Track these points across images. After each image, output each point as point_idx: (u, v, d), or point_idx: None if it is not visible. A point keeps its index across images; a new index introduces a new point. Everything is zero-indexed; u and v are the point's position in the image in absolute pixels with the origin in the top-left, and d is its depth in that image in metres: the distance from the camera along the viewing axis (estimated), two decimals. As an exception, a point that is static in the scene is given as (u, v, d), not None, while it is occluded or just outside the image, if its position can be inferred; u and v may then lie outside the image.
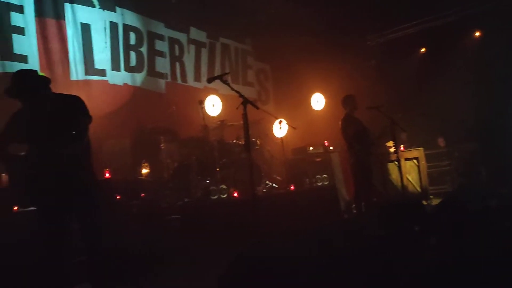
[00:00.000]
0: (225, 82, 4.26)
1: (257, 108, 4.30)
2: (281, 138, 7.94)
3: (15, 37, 6.19)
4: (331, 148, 8.80)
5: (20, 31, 6.25)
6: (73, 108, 3.63)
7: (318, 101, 10.20)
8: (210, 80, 4.47)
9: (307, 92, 10.20)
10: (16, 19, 6.21)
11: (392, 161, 8.03)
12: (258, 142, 7.60)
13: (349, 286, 2.98)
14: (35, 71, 3.83)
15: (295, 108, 9.54)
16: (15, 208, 4.64)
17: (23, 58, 6.26)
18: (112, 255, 4.98)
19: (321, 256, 3.31)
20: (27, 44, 6.32)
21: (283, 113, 8.31)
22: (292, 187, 7.54)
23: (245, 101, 4.10)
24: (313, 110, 10.18)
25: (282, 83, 10.43)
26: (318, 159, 8.61)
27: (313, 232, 3.57)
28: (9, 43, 6.11)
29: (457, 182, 9.33)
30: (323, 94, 10.20)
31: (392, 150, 7.97)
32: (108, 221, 5.35)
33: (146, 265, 4.93)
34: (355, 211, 7.34)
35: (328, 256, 3.32)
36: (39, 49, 6.48)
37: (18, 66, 6.17)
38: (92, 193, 3.66)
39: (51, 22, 6.66)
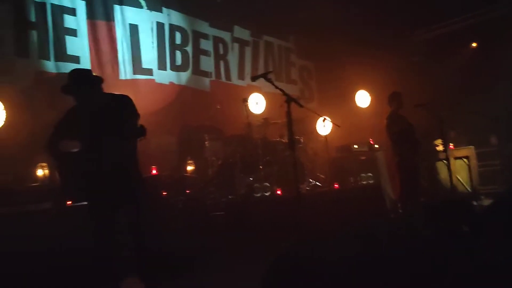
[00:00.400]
0: (268, 80, 4.27)
1: (301, 106, 4.28)
2: (325, 136, 7.88)
3: (68, 38, 6.49)
4: (376, 146, 8.63)
5: (73, 33, 6.54)
6: (122, 107, 3.74)
7: (363, 98, 10.03)
8: (254, 78, 4.50)
9: (351, 90, 10.04)
10: (69, 21, 6.50)
11: (441, 159, 7.78)
12: (302, 140, 7.57)
13: (394, 287, 2.92)
14: (89, 71, 3.98)
15: (339, 105, 9.42)
16: (69, 202, 4.86)
17: (76, 59, 6.54)
18: (158, 250, 5.15)
19: (365, 256, 3.26)
20: (79, 45, 6.60)
21: (326, 111, 8.24)
22: (336, 185, 7.46)
23: (289, 99, 4.10)
24: (358, 107, 10.01)
25: (325, 80, 10.32)
26: (362, 158, 8.46)
27: (357, 231, 3.51)
28: (62, 45, 6.41)
29: (510, 182, 8.91)
30: (368, 91, 10.01)
31: (440, 148, 7.72)
32: (154, 217, 5.53)
33: (190, 261, 5.02)
34: (401, 211, 7.17)
35: (373, 256, 3.26)
36: (90, 50, 6.76)
37: (71, 66, 6.44)
38: (138, 190, 3.76)
39: (101, 24, 6.92)
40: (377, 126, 7.97)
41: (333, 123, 7.55)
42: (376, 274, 3.01)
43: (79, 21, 6.62)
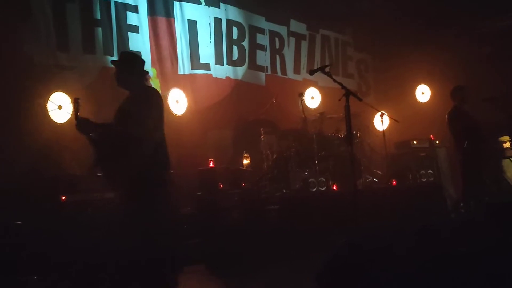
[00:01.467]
0: (327, 73, 4.22)
1: (360, 100, 4.20)
2: (383, 131, 7.67)
3: (131, 35, 6.72)
4: (437, 142, 8.30)
5: (135, 29, 6.77)
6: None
7: (423, 92, 9.65)
8: (312, 72, 4.45)
9: (411, 83, 9.69)
10: (131, 18, 6.74)
11: (508, 157, 7.35)
12: (359, 135, 7.42)
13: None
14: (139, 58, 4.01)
15: (398, 100, 9.14)
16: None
17: (138, 55, 6.76)
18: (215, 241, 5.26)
19: (424, 256, 3.15)
20: (141, 41, 6.82)
21: (385, 106, 8.03)
22: (394, 182, 7.26)
23: (348, 93, 4.03)
24: (418, 102, 9.64)
25: (384, 74, 10.03)
26: (422, 154, 8.16)
27: (417, 230, 3.40)
28: (125, 41, 6.65)
29: None
30: (428, 86, 9.62)
31: (507, 145, 7.30)
32: (211, 209, 5.65)
33: (244, 254, 5.09)
34: (463, 211, 6.86)
35: (432, 257, 3.14)
36: (151, 46, 6.96)
37: (133, 62, 6.71)
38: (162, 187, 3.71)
39: (161, 20, 7.11)
40: (438, 121, 7.66)
41: (391, 118, 7.34)
42: (434, 275, 2.89)
43: (141, 18, 6.84)
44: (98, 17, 6.39)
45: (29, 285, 4.24)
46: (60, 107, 5.35)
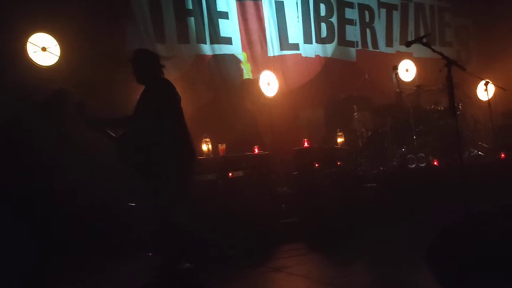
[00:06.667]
0: (425, 44, 3.99)
1: (464, 69, 3.93)
2: (488, 101, 7.14)
3: (221, 21, 6.91)
4: (552, 110, 7.54)
5: (225, 15, 6.94)
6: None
7: (533, 56, 8.77)
8: (408, 43, 4.23)
9: (518, 47, 8.84)
10: (221, 5, 6.91)
11: None
12: (460, 106, 6.97)
13: None
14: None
15: (504, 66, 8.36)
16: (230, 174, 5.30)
17: (228, 40, 6.96)
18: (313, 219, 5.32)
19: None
20: (230, 27, 6.99)
21: (489, 73, 7.44)
22: (502, 155, 6.74)
23: (450, 63, 3.79)
24: (528, 67, 8.79)
25: (487, 38, 9.22)
26: (534, 124, 7.48)
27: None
28: (216, 28, 6.85)
29: None
30: (540, 47, 8.71)
31: None
32: (308, 187, 5.70)
33: (343, 232, 5.08)
34: None
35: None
36: (240, 31, 7.10)
37: (224, 48, 6.92)
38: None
39: (249, 4, 7.21)
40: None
41: (497, 87, 6.79)
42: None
43: (229, 4, 6.99)
44: (190, 7, 6.64)
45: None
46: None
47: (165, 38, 6.42)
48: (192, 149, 3.88)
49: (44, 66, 5.19)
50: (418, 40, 4.06)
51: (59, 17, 5.27)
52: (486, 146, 7.20)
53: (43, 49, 5.15)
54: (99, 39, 5.53)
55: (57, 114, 4.97)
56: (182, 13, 6.57)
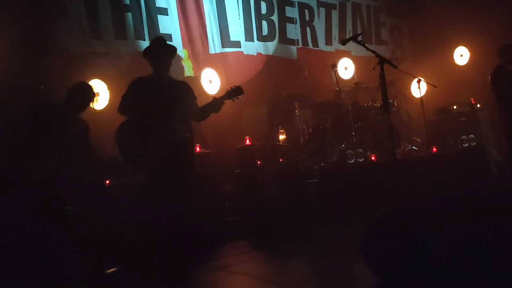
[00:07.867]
0: (359, 42, 4.11)
1: (396, 67, 4.09)
2: (420, 98, 7.47)
3: (160, 17, 6.75)
4: (478, 106, 8.01)
5: (164, 11, 6.79)
6: (187, 92, 4.11)
7: (462, 55, 9.26)
8: (344, 41, 4.35)
9: (448, 46, 9.31)
10: (160, 1, 6.75)
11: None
12: (395, 103, 7.26)
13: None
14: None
15: (435, 64, 8.77)
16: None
17: (168, 37, 6.77)
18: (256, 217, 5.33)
19: (471, 225, 3.07)
20: (170, 24, 6.85)
21: (421, 71, 7.76)
22: (434, 149, 7.09)
23: (382, 61, 3.92)
24: (456, 65, 9.28)
25: (419, 38, 9.64)
26: (463, 119, 7.90)
27: (461, 198, 3.31)
28: (155, 24, 6.69)
29: None
30: (467, 47, 9.23)
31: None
32: (250, 185, 5.71)
33: (285, 227, 5.14)
34: (508, 174, 6.65)
35: (481, 227, 3.04)
36: (180, 27, 6.97)
37: (164, 45, 6.75)
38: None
39: (190, 0, 7.10)
40: (479, 84, 7.38)
41: (428, 84, 7.12)
42: (484, 246, 2.81)
43: (169, 0, 6.85)
44: (128, 2, 6.44)
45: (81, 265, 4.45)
46: (97, 94, 5.47)
47: (101, 34, 6.18)
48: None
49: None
50: (353, 38, 4.17)
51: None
52: (419, 140, 7.54)
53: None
54: (26, 32, 5.22)
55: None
56: (119, 8, 6.36)
